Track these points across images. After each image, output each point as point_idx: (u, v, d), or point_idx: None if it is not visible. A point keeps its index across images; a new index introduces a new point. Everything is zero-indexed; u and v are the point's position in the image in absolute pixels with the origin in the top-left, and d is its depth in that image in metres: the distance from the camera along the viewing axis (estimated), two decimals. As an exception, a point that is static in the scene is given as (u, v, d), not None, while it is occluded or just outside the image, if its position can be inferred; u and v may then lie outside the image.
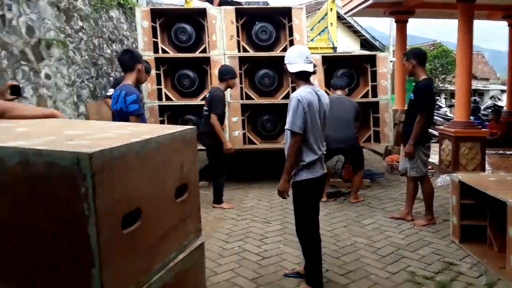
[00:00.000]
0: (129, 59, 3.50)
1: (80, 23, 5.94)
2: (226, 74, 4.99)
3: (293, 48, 3.15)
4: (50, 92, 4.94)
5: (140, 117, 3.39)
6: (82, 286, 1.34)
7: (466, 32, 6.24)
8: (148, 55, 5.73)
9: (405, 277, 3.28)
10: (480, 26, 11.32)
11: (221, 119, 5.07)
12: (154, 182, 1.72)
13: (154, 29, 5.87)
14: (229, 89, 5.80)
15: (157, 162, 1.76)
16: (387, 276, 3.30)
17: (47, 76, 4.86)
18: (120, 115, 3.45)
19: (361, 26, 22.96)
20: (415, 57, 4.41)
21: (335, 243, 3.99)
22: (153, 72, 5.71)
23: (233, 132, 5.87)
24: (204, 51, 5.95)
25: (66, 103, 5.30)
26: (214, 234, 4.17)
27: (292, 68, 2.97)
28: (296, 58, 2.97)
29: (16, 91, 2.41)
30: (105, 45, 6.70)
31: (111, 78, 6.61)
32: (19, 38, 4.32)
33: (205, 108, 5.04)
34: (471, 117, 7.20)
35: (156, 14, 5.93)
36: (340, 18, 19.23)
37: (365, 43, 23.64)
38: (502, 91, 22.84)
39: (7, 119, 2.02)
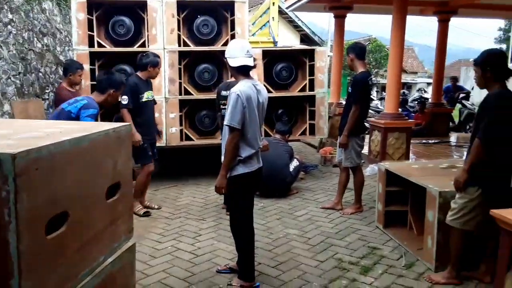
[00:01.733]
0: (103, 81, 3.71)
1: (10, 16, 5.63)
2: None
3: (234, 42, 3.20)
4: (-28, 88, 4.66)
5: None
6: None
7: (400, 27, 6.59)
8: (82, 50, 5.57)
9: (333, 264, 3.51)
10: (411, 21, 12.04)
11: None
12: (84, 182, 1.71)
13: (90, 22, 5.69)
14: (167, 84, 5.79)
15: (88, 161, 1.75)
16: (316, 264, 3.51)
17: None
18: (61, 115, 3.49)
19: (301, 21, 23.43)
20: (354, 50, 4.63)
21: (268, 235, 4.14)
22: (88, 67, 5.56)
23: (170, 128, 5.85)
24: (143, 45, 5.86)
25: (-11, 100, 5.03)
26: (146, 234, 4.12)
27: (233, 62, 3.01)
28: (237, 52, 3.01)
29: None
30: (35, 39, 6.39)
31: (40, 74, 6.33)
32: None
33: (224, 106, 4.62)
34: (399, 109, 7.65)
35: (92, 5, 5.74)
36: (281, 12, 19.54)
37: (305, 38, 24.15)
38: (428, 83, 24.32)
39: None
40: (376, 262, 3.53)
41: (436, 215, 3.23)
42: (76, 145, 1.67)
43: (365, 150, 7.27)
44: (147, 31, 5.71)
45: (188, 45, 5.98)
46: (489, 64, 2.87)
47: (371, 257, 3.64)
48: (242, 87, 2.95)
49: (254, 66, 3.09)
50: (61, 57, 7.30)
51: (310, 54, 6.41)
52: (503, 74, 2.87)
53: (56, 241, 1.55)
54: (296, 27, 23.52)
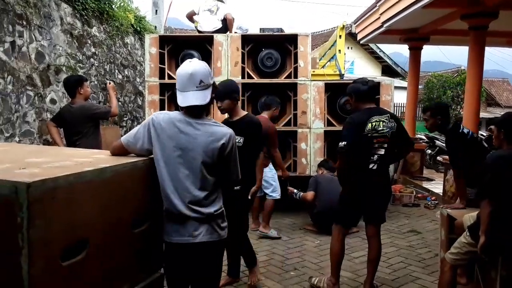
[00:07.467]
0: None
1: (93, 49, 6.21)
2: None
3: (182, 68, 2.12)
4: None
5: None
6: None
7: (476, 58, 6.18)
8: (153, 81, 5.94)
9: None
10: (508, 52, 11.14)
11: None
12: (107, 211, 1.75)
13: (162, 56, 6.07)
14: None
15: (112, 191, 1.78)
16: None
17: (52, 101, 5.08)
18: None
19: (383, 52, 22.90)
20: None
21: (319, 276, 3.96)
22: (157, 98, 5.89)
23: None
24: (210, 77, 6.08)
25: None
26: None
27: (182, 99, 2.09)
28: (187, 84, 2.07)
29: None
30: (116, 71, 6.97)
31: (119, 103, 6.83)
32: (27, 64, 4.56)
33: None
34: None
35: (165, 40, 6.14)
36: (362, 44, 19.26)
37: (387, 69, 23.55)
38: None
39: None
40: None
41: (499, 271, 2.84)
42: (98, 176, 1.72)
43: (439, 190, 6.77)
44: (213, 63, 5.95)
45: (252, 77, 6.10)
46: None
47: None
48: None
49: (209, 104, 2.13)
50: (140, 88, 7.85)
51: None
52: None
53: (72, 268, 1.60)
54: (377, 58, 23.04)
